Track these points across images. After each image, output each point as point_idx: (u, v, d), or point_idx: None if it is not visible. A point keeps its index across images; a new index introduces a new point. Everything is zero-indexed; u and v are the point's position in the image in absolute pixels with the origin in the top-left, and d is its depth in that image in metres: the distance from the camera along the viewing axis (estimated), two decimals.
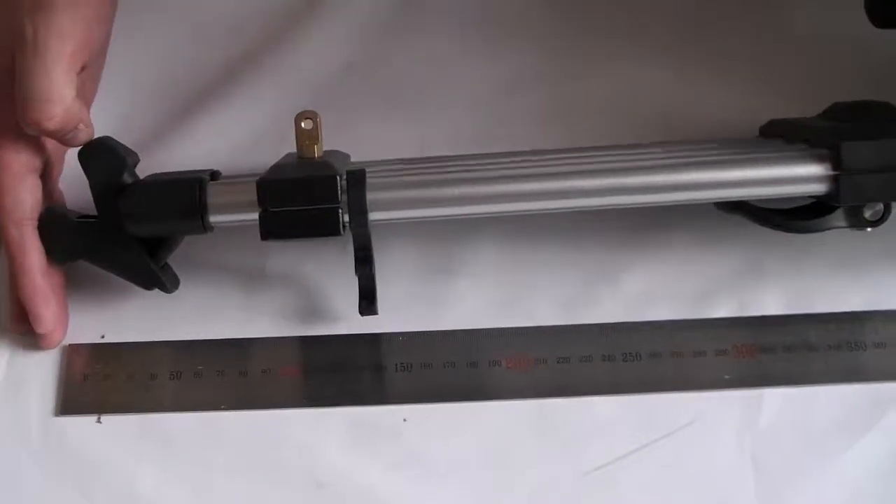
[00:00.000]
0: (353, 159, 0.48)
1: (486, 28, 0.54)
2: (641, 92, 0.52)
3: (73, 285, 0.48)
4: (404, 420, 0.46)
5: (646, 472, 0.45)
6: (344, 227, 0.43)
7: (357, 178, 0.43)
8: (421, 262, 0.49)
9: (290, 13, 0.54)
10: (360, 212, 0.43)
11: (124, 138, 0.47)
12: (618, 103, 0.52)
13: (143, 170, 0.47)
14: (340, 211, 0.43)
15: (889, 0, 0.44)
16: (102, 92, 0.51)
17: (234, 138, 0.52)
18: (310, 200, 0.43)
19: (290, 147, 0.45)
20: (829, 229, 0.45)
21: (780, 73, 0.52)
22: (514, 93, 0.53)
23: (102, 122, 0.50)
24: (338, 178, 0.43)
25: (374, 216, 0.44)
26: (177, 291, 0.47)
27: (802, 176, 0.43)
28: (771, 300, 0.48)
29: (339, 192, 0.43)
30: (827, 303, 0.48)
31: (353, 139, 0.49)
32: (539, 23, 0.54)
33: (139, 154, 0.47)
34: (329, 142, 0.46)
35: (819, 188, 0.43)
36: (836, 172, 0.43)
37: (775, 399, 0.46)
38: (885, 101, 0.45)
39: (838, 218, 0.45)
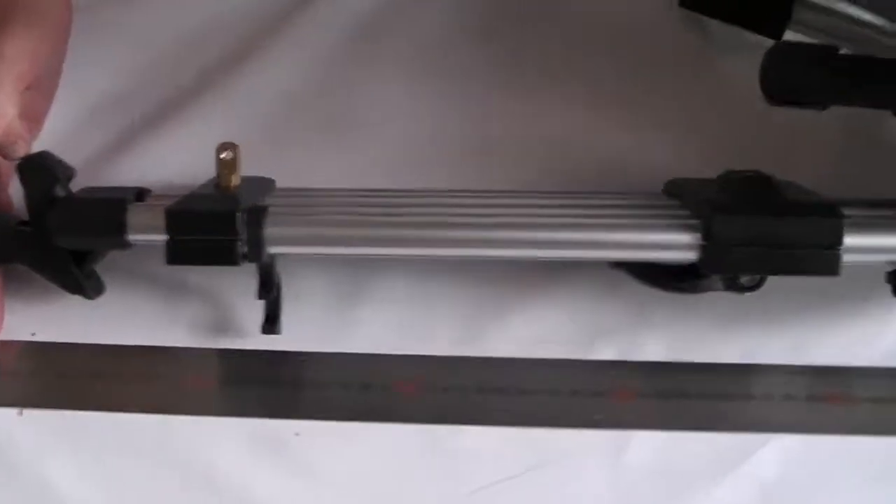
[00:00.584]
0: (286, 185, 0.51)
1: (430, 67, 0.57)
2: (565, 139, 0.55)
3: (10, 285, 0.52)
4: (296, 434, 0.49)
5: (521, 500, 0.48)
6: (243, 257, 0.46)
7: (256, 215, 0.46)
8: (329, 287, 0.52)
9: (242, 38, 0.58)
10: (256, 246, 0.46)
11: (74, 151, 0.51)
12: (540, 148, 0.55)
13: (92, 181, 0.51)
14: (239, 244, 0.46)
15: (779, 80, 0.45)
16: (53, 107, 0.55)
17: (178, 155, 0.55)
18: (211, 232, 0.46)
19: None
20: (706, 292, 0.47)
21: (694, 133, 0.54)
22: (446, 132, 0.55)
23: (53, 135, 0.55)
24: (237, 214, 0.46)
25: (273, 250, 0.47)
26: (105, 297, 0.51)
27: (676, 243, 0.45)
28: (653, 348, 0.51)
29: (240, 225, 0.46)
30: (706, 354, 0.51)
31: (290, 164, 0.53)
32: (478, 67, 0.57)
33: (89, 165, 0.52)
34: (264, 165, 0.50)
35: (691, 256, 0.45)
36: (705, 243, 0.45)
37: (645, 441, 0.49)
38: (771, 174, 0.47)
39: (716, 282, 0.47)
